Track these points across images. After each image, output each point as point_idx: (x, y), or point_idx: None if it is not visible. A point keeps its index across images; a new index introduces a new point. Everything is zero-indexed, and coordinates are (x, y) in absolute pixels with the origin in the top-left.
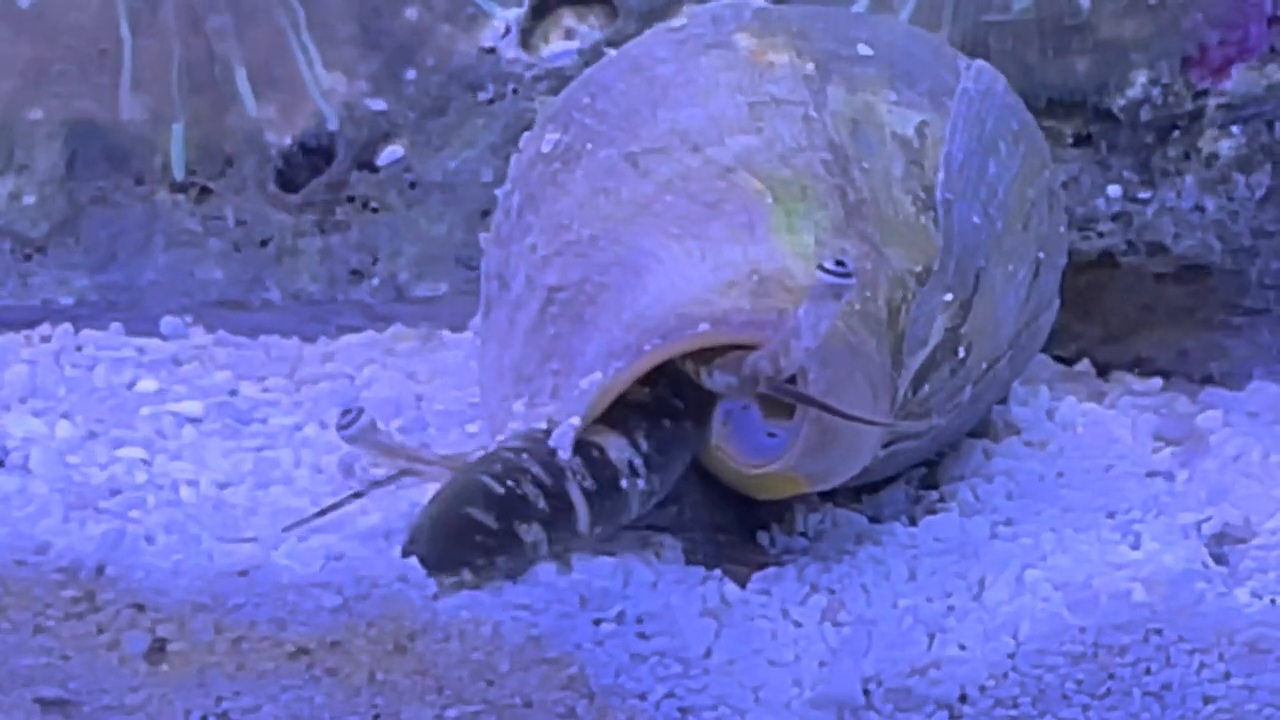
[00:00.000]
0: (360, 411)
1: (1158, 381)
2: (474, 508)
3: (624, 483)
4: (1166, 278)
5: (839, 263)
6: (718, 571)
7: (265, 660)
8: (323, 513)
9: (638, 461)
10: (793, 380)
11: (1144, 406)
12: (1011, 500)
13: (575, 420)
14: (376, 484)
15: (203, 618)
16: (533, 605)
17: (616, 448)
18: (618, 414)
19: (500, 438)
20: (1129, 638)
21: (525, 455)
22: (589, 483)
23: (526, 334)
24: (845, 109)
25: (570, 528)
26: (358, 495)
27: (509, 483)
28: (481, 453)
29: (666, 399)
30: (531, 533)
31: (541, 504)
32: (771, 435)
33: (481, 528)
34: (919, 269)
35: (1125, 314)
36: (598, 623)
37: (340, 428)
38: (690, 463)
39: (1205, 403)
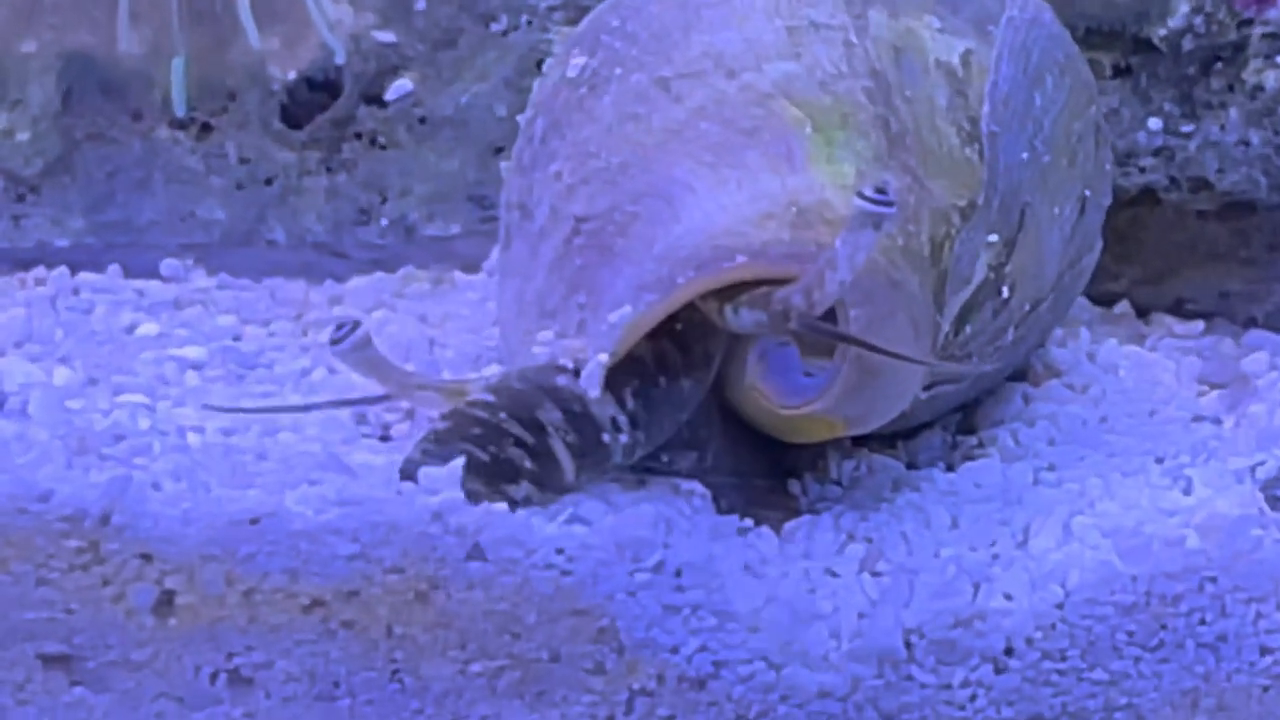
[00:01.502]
0: (355, 325)
1: (1199, 324)
2: (465, 481)
3: (605, 436)
4: (1209, 215)
5: (879, 190)
6: (751, 520)
7: (278, 613)
8: (298, 408)
9: (622, 419)
10: (828, 317)
11: (1187, 349)
12: (1054, 446)
13: (603, 357)
14: (362, 399)
15: (213, 568)
16: (566, 553)
17: (600, 404)
18: (610, 368)
19: (517, 368)
20: (1182, 586)
21: (504, 415)
22: (571, 436)
23: (550, 266)
24: (887, 34)
25: (557, 480)
26: (341, 403)
27: (491, 448)
28: (484, 382)
29: (666, 353)
30: (521, 490)
31: (528, 464)
32: (809, 375)
33: (473, 494)
34: (963, 204)
35: (1166, 253)
36: (632, 573)
37: (332, 342)
38: (713, 406)
39: (1250, 345)
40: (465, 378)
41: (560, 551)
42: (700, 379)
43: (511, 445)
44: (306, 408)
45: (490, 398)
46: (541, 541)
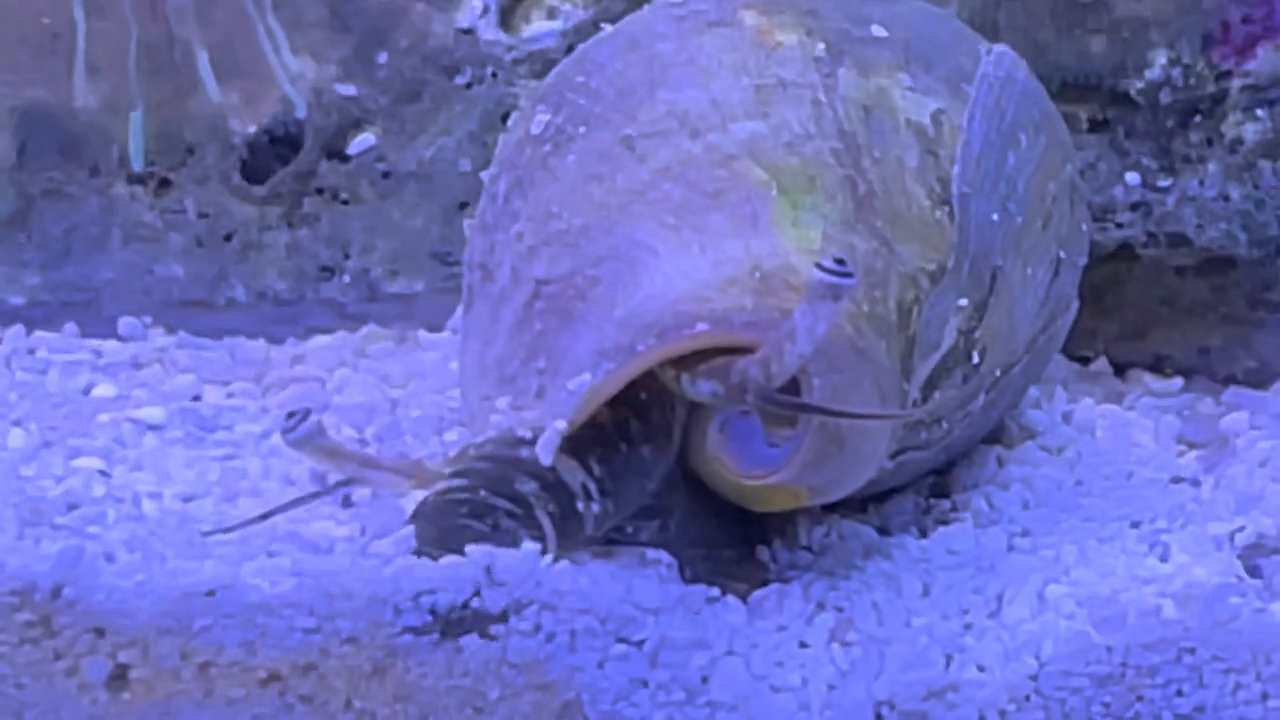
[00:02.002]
0: (306, 414)
1: (1179, 381)
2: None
3: (579, 505)
4: (1188, 271)
5: (838, 260)
6: (718, 590)
7: (235, 686)
8: (263, 517)
9: (591, 486)
10: (789, 389)
11: (1165, 408)
12: (1029, 510)
13: (561, 425)
14: (319, 493)
15: (167, 642)
16: (532, 624)
17: (569, 470)
18: (572, 436)
19: (476, 440)
20: (1159, 657)
21: (484, 493)
22: (551, 506)
23: (511, 330)
24: (857, 94)
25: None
26: (301, 501)
27: (488, 522)
28: (441, 459)
29: (624, 421)
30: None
31: (522, 533)
32: (772, 445)
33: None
34: (932, 267)
35: (1144, 309)
36: (598, 646)
37: (284, 431)
38: (677, 474)
39: (1230, 404)
40: (422, 459)
41: (534, 626)
42: (663, 446)
43: (504, 517)
44: (283, 509)
45: (461, 481)
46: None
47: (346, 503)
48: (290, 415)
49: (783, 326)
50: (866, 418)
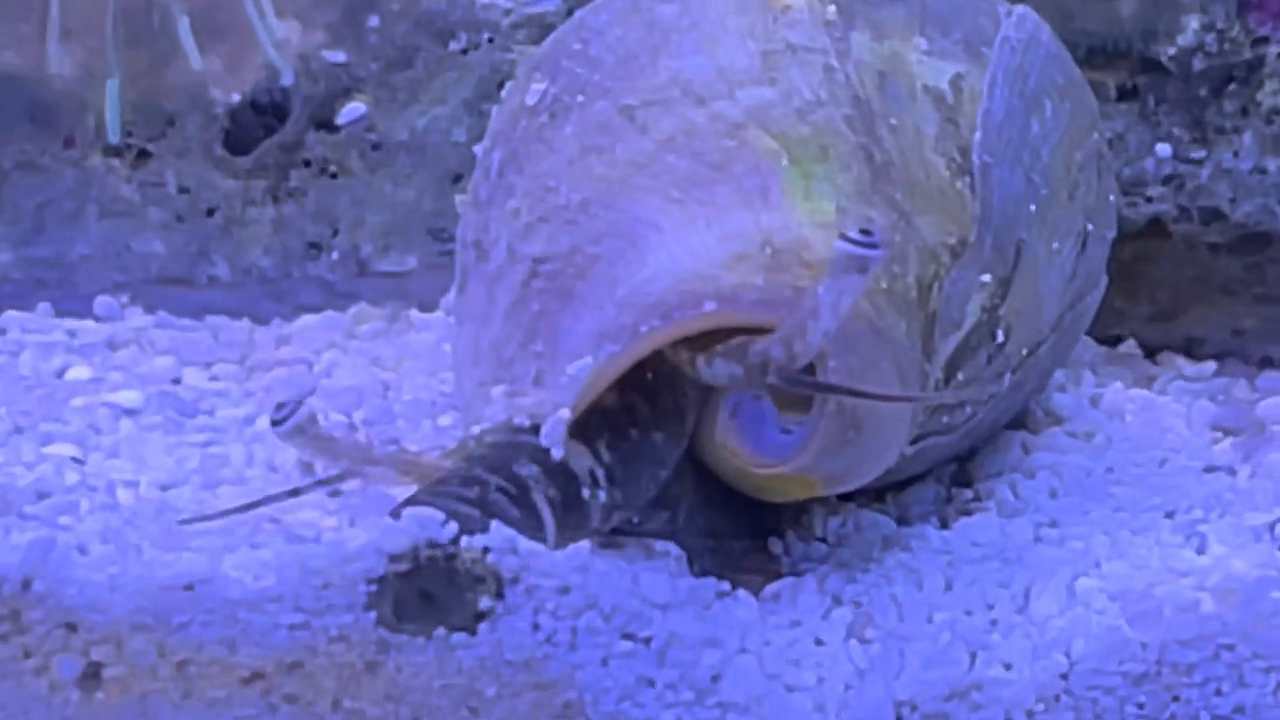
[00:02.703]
0: (298, 404)
1: (1211, 365)
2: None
3: (585, 492)
4: (1222, 248)
5: (864, 231)
6: (729, 584)
7: (215, 686)
8: (245, 508)
9: (599, 472)
10: (809, 370)
11: (1198, 392)
12: (1056, 499)
13: (565, 413)
14: (312, 485)
15: (143, 638)
16: (525, 621)
17: (576, 454)
18: (579, 419)
19: (474, 430)
20: (1197, 655)
21: (478, 470)
22: (552, 491)
23: (507, 311)
24: (871, 58)
25: (540, 542)
26: (294, 493)
27: (476, 494)
28: (438, 451)
29: (635, 406)
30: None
31: (514, 513)
32: (785, 431)
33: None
34: (953, 241)
35: (1176, 289)
36: (601, 642)
37: (274, 422)
38: (685, 462)
39: (1265, 388)
40: (419, 452)
41: (532, 622)
42: (675, 433)
43: (495, 492)
44: (267, 501)
45: (459, 466)
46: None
47: (334, 492)
48: (280, 406)
49: (805, 303)
50: (892, 399)
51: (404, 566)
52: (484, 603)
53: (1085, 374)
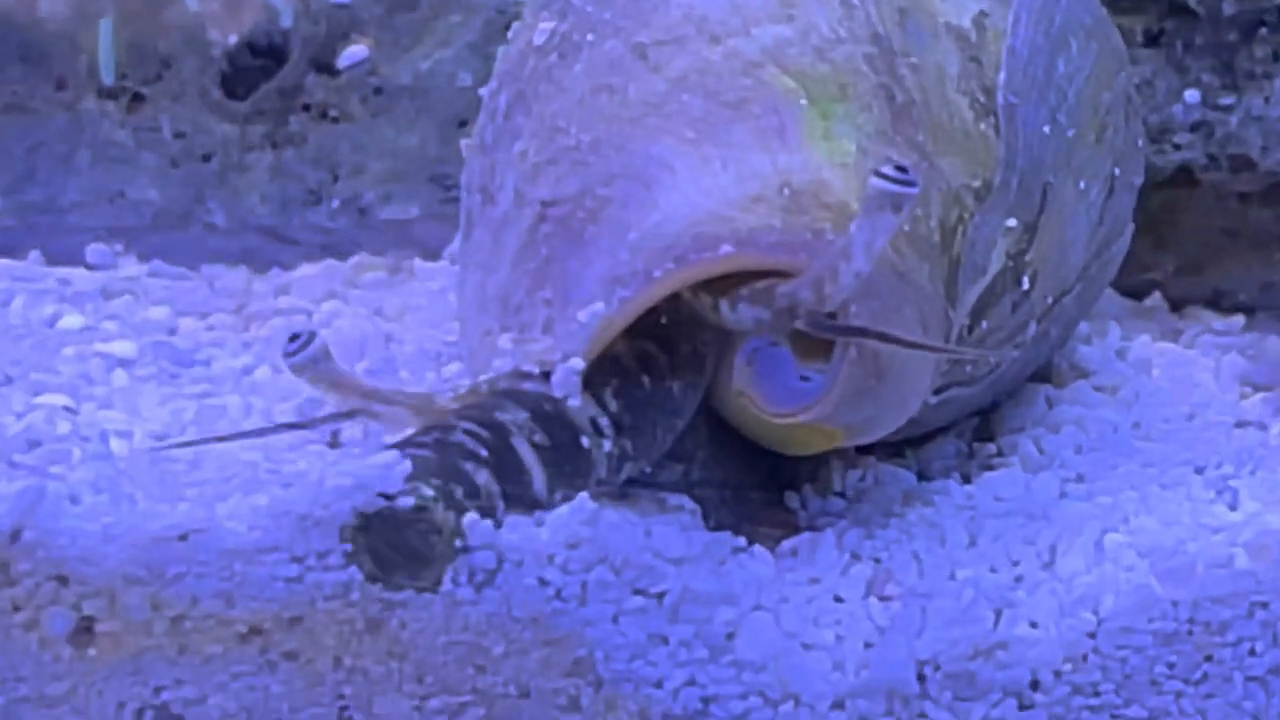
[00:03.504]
0: (312, 336)
1: (1240, 319)
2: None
3: (585, 441)
4: (1252, 197)
5: (899, 168)
6: (745, 539)
7: (211, 642)
8: (244, 435)
9: (604, 421)
10: (833, 315)
11: (1226, 346)
12: (1082, 454)
13: (578, 361)
14: (323, 419)
15: (137, 592)
16: (532, 576)
17: (578, 405)
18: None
19: (484, 377)
20: (1230, 612)
21: (462, 430)
22: (539, 437)
23: (515, 257)
24: None
25: (525, 492)
26: (297, 425)
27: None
28: (451, 393)
29: (650, 352)
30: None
31: (483, 477)
32: (804, 379)
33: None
34: (977, 184)
35: (1204, 239)
36: (612, 598)
37: (287, 355)
38: (700, 413)
39: None
40: (432, 391)
41: (540, 577)
42: (693, 382)
43: (463, 457)
44: (260, 433)
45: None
46: (514, 564)
47: (334, 442)
48: (294, 337)
49: (835, 243)
50: (924, 348)
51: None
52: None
53: (1111, 327)
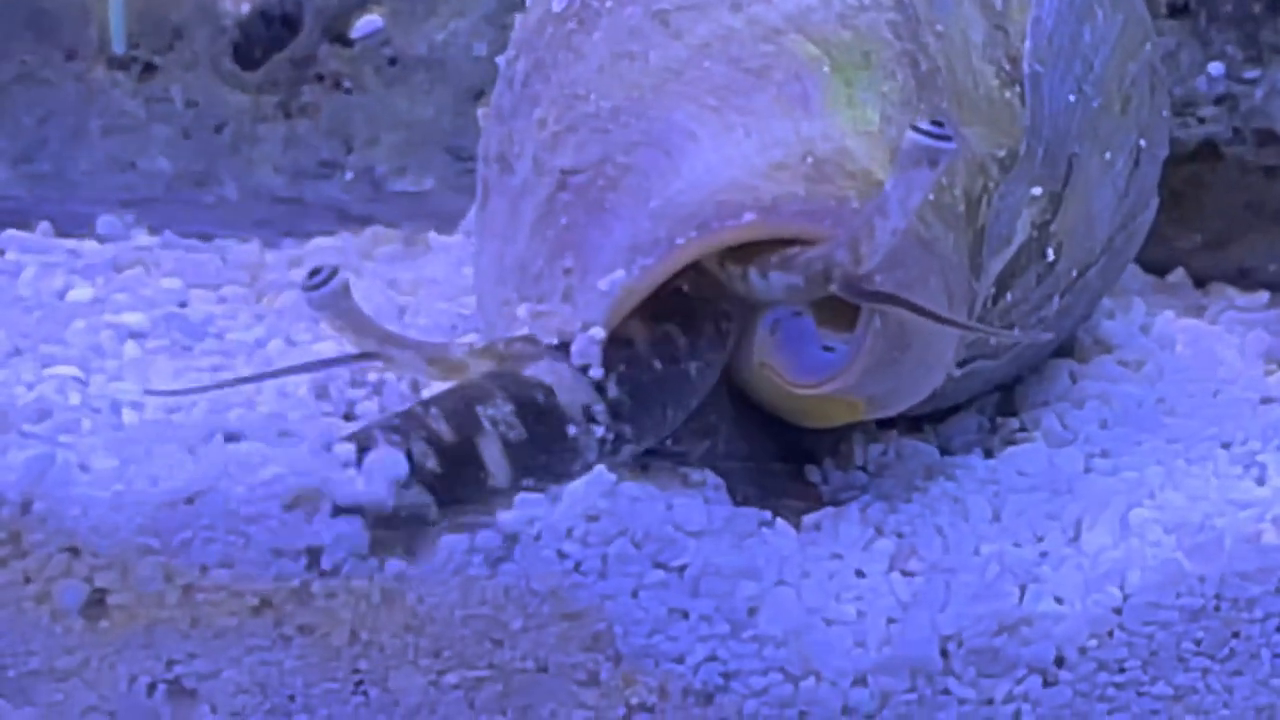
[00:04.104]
0: (334, 272)
1: (1264, 295)
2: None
3: (571, 429)
4: (1277, 172)
5: (936, 121)
6: (769, 514)
7: (225, 615)
8: (252, 379)
9: (598, 408)
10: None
11: (1251, 323)
12: (1106, 429)
13: (598, 331)
14: (332, 360)
15: (149, 563)
16: (550, 549)
17: (569, 391)
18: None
19: (506, 336)
20: (1258, 588)
21: (436, 410)
22: (515, 433)
23: (533, 226)
24: None
25: (478, 487)
26: (305, 368)
27: (394, 438)
28: (466, 348)
29: (667, 334)
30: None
31: (430, 464)
32: (828, 349)
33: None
34: (1002, 154)
35: (1228, 215)
36: (633, 572)
37: (306, 289)
38: (722, 387)
39: None
40: (448, 344)
41: (558, 550)
42: (711, 361)
43: (423, 440)
44: (272, 375)
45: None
46: (530, 535)
47: (349, 416)
48: (314, 272)
49: (871, 202)
50: (956, 325)
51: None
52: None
53: (1135, 302)
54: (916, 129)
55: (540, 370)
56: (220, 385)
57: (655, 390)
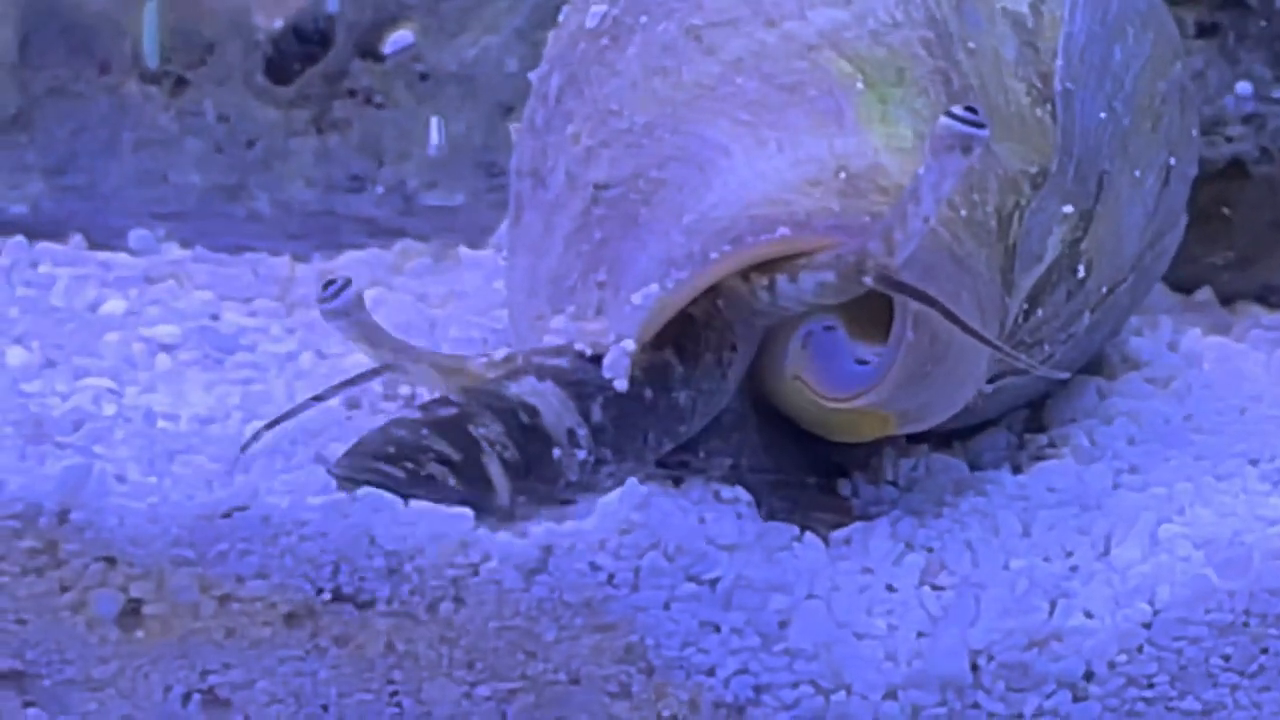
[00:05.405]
0: (348, 282)
1: None
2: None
3: (556, 453)
4: None
5: (969, 108)
6: (798, 527)
7: (259, 625)
8: (274, 423)
9: (582, 432)
10: (883, 305)
11: (1278, 340)
12: (1135, 445)
13: (629, 344)
14: (346, 382)
15: (184, 573)
16: (588, 560)
17: (555, 414)
18: (578, 379)
19: (528, 348)
20: None
21: (426, 431)
22: (510, 453)
23: (567, 240)
24: None
25: (487, 503)
26: (317, 399)
27: (408, 465)
28: (484, 359)
29: (665, 363)
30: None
31: (450, 482)
32: (861, 362)
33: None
34: (1034, 170)
35: (1255, 234)
36: (665, 585)
37: (321, 300)
38: (747, 406)
39: None
40: (466, 355)
41: (591, 562)
42: (705, 390)
43: (434, 461)
44: (298, 410)
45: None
46: (564, 548)
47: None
48: (329, 284)
49: (904, 190)
50: (986, 342)
51: None
52: None
53: (1163, 320)
54: (950, 114)
55: (524, 389)
56: (288, 414)
57: (640, 418)
